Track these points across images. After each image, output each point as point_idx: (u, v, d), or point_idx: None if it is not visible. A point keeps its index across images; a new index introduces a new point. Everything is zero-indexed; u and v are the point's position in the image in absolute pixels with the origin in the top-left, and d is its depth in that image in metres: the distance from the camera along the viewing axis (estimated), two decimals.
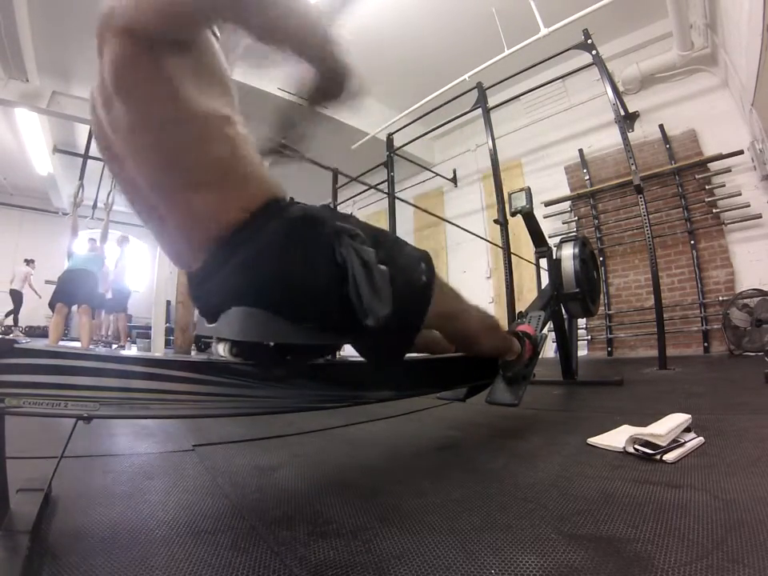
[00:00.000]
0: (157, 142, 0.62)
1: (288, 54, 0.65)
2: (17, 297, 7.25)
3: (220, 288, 0.70)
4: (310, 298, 0.68)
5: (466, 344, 1.08)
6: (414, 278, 0.77)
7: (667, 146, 4.27)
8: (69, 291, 3.98)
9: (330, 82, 0.73)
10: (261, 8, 0.58)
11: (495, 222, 3.33)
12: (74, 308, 4.09)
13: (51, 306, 3.94)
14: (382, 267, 0.68)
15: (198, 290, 0.76)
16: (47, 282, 3.53)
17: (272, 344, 0.73)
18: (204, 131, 0.64)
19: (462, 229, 4.81)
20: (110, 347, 5.99)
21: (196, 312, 0.83)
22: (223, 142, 0.65)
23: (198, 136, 0.63)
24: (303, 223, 0.69)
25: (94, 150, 5.80)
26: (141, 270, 9.68)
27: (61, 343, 4.00)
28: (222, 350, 0.74)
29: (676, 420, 1.01)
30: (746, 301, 3.49)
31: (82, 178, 4.29)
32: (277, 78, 4.99)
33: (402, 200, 4.99)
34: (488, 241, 4.99)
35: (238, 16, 0.58)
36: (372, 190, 5.46)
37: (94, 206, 5.96)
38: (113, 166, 0.72)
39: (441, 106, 4.30)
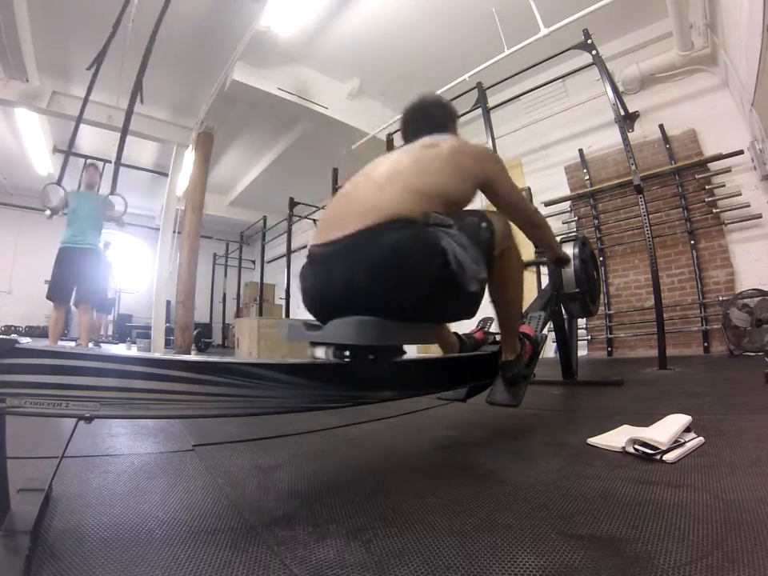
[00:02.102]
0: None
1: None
2: None
3: (349, 273, 0.90)
4: (424, 285, 0.90)
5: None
6: (481, 237, 1.00)
7: (667, 146, 4.27)
8: (65, 283, 3.38)
9: (558, 261, 1.62)
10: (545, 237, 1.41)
11: None
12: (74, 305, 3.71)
13: (49, 298, 3.42)
14: (473, 247, 0.93)
15: (324, 265, 0.97)
16: (47, 282, 3.42)
17: (378, 345, 0.91)
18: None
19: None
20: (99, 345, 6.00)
21: (302, 301, 1.06)
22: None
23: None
24: (416, 229, 0.91)
25: (93, 150, 5.80)
26: (141, 269, 9.71)
27: (59, 343, 3.96)
28: (323, 353, 0.91)
29: (676, 423, 1.01)
30: (746, 301, 3.49)
31: (60, 180, 3.57)
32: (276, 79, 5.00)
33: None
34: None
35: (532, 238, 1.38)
36: None
37: None
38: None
39: None
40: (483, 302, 1.07)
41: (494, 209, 1.20)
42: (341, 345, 0.89)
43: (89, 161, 3.96)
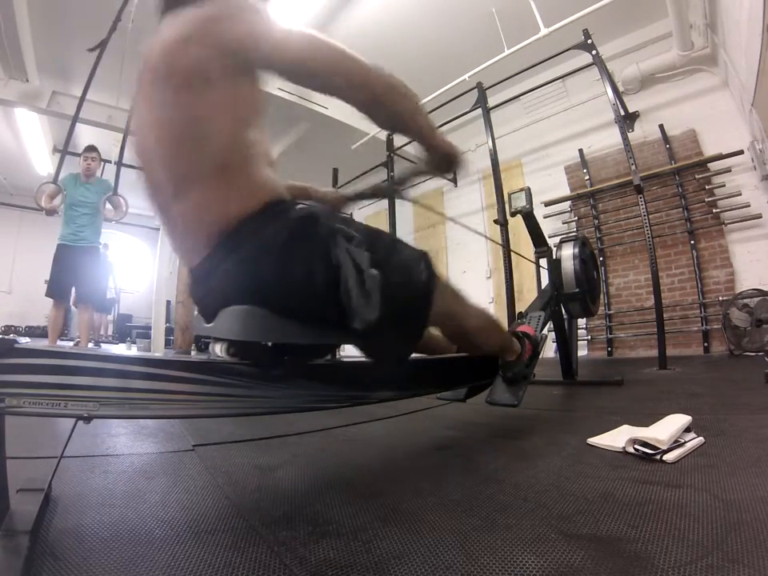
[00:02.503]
0: (190, 127, 0.69)
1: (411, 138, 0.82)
2: None
3: (220, 284, 0.71)
4: (308, 297, 0.69)
5: (467, 343, 1.09)
6: (413, 277, 0.77)
7: (667, 146, 4.27)
8: (64, 282, 3.29)
9: (442, 161, 0.87)
10: (400, 114, 0.75)
11: (495, 222, 3.34)
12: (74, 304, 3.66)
13: (49, 296, 3.33)
14: (374, 272, 0.68)
15: (198, 287, 0.78)
16: (47, 282, 3.39)
17: (269, 344, 0.74)
18: (232, 126, 0.70)
19: (463, 225, 4.79)
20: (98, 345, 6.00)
21: (195, 311, 0.86)
22: (240, 141, 0.71)
23: (226, 128, 0.69)
24: (302, 223, 0.72)
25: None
26: (141, 269, 9.71)
27: (59, 343, 3.95)
28: (219, 350, 0.76)
29: (676, 423, 1.01)
30: (746, 301, 3.49)
31: (56, 179, 3.41)
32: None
33: (404, 198, 4.97)
34: (489, 238, 4.99)
35: (373, 113, 0.75)
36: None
37: None
38: (138, 149, 0.77)
39: (441, 106, 4.30)
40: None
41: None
42: (233, 341, 0.75)
43: (87, 145, 3.57)
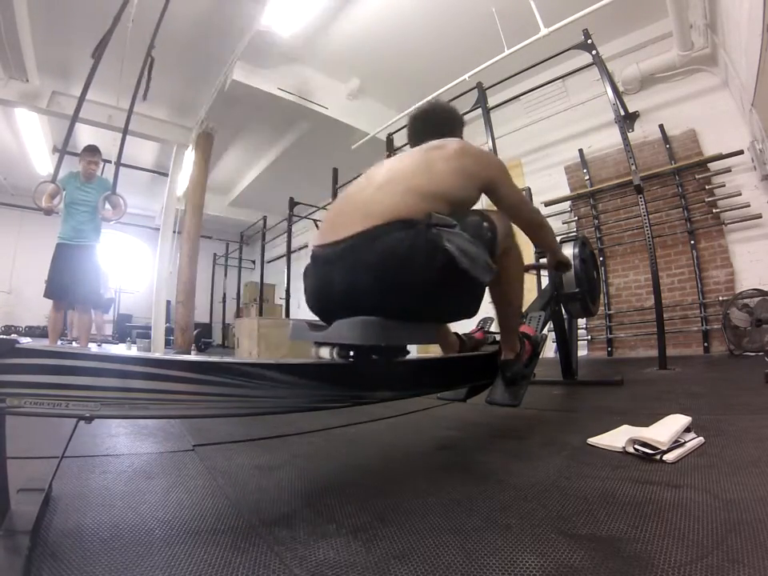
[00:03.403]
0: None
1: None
2: None
3: (352, 273, 0.92)
4: (427, 284, 0.90)
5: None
6: (484, 236, 1.00)
7: (667, 146, 4.27)
8: (63, 282, 3.23)
9: (559, 265, 1.57)
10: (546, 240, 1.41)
11: None
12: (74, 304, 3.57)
13: (47, 297, 3.29)
14: (474, 241, 0.93)
15: (326, 266, 0.98)
16: (46, 282, 3.37)
17: (382, 345, 0.92)
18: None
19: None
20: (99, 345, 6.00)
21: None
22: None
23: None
24: (418, 229, 0.91)
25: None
26: (141, 269, 9.71)
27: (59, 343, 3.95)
28: (326, 353, 0.92)
29: (676, 423, 1.01)
30: (746, 301, 3.49)
31: (55, 178, 3.35)
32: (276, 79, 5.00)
33: None
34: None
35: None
36: None
37: None
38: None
39: None
40: (483, 302, 1.08)
41: (494, 209, 1.19)
42: (345, 345, 0.90)
43: (88, 145, 3.53)
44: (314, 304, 1.06)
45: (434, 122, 1.28)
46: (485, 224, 1.02)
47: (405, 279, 0.90)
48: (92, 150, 3.45)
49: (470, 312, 1.05)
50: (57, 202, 3.30)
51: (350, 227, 0.94)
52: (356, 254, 0.92)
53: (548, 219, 5.27)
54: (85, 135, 5.87)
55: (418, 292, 0.91)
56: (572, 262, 1.37)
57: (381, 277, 0.90)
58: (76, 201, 3.34)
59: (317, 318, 1.07)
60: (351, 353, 0.90)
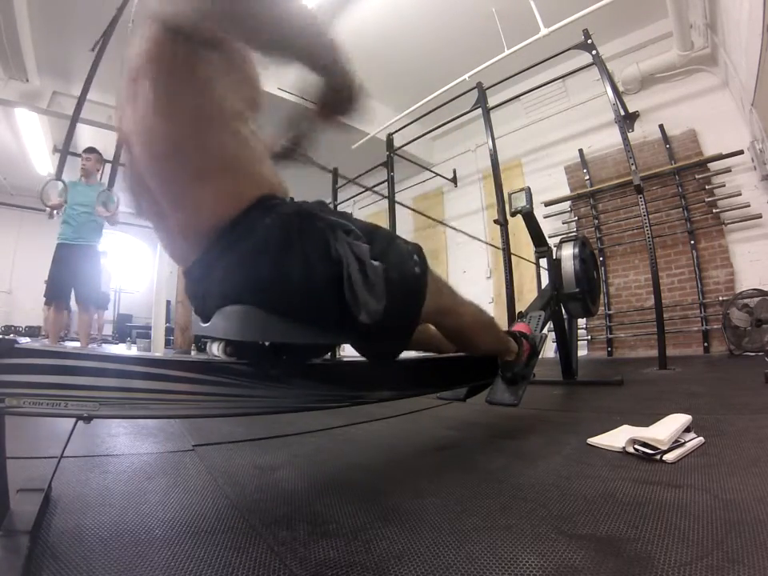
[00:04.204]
0: (168, 124, 0.64)
1: (296, 66, 0.66)
2: None
3: (215, 285, 0.70)
4: (306, 295, 0.67)
5: (462, 340, 1.06)
6: (407, 271, 0.77)
7: (667, 146, 4.27)
8: (64, 281, 3.26)
9: (339, 95, 0.74)
10: (267, 24, 0.60)
11: (495, 222, 3.33)
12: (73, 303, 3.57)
13: (48, 297, 3.35)
14: (376, 263, 0.68)
15: (193, 287, 0.76)
16: (47, 282, 3.38)
17: (267, 343, 0.73)
18: (213, 122, 0.66)
19: (458, 230, 4.81)
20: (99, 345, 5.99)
21: (193, 311, 0.85)
22: (229, 136, 0.67)
23: (207, 125, 0.65)
24: (298, 218, 0.69)
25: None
26: (141, 269, 9.71)
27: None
28: (216, 350, 0.76)
29: (677, 422, 1.01)
30: (746, 301, 3.49)
31: (59, 175, 3.47)
32: (277, 77, 5.00)
33: (401, 204, 4.97)
34: (486, 242, 5.00)
35: (245, 35, 0.63)
36: (373, 189, 5.46)
37: None
38: (126, 155, 0.74)
39: (441, 105, 4.30)
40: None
41: None
42: (230, 341, 0.76)
43: (87, 146, 3.63)
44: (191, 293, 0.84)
45: None
46: (415, 257, 0.78)
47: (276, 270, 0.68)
48: (90, 150, 3.56)
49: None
50: (62, 199, 3.35)
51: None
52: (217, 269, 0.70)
53: (548, 219, 5.31)
54: (85, 135, 5.87)
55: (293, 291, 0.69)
56: (355, 86, 0.68)
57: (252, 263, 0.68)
58: (76, 202, 3.37)
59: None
60: (229, 349, 0.76)
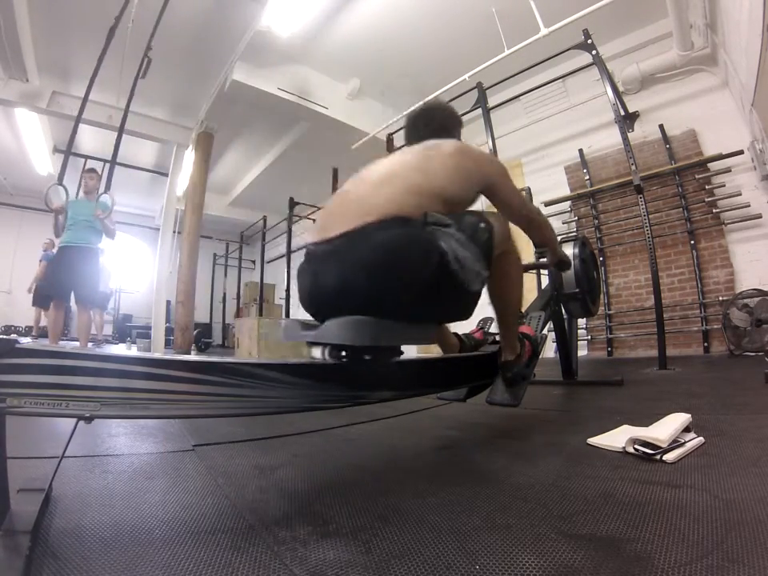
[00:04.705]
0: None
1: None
2: None
3: (345, 271, 0.90)
4: (421, 285, 0.89)
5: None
6: (480, 237, 0.99)
7: (667, 146, 4.27)
8: (63, 280, 3.35)
9: (559, 263, 1.55)
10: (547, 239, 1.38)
11: None
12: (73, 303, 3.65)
13: (50, 297, 3.45)
14: (470, 243, 0.93)
15: (320, 263, 0.96)
16: (41, 283, 3.40)
17: (378, 346, 0.91)
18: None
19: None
20: (100, 345, 5.99)
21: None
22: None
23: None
24: (413, 228, 0.90)
25: (93, 150, 5.80)
26: (141, 269, 9.71)
27: (60, 343, 3.95)
28: (319, 353, 0.91)
29: (676, 421, 1.01)
30: (746, 301, 3.49)
31: (61, 179, 3.52)
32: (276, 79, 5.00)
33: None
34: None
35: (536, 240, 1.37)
36: None
37: None
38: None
39: None
40: (482, 302, 1.07)
41: (494, 209, 1.19)
42: (337, 345, 0.88)
43: (87, 166, 3.85)
44: (306, 302, 1.03)
45: (433, 122, 1.27)
46: (481, 225, 0.99)
47: (397, 277, 0.88)
48: (91, 170, 3.82)
49: (464, 314, 1.03)
50: (62, 208, 3.41)
51: (344, 224, 0.92)
52: (349, 250, 0.91)
53: (548, 219, 5.31)
54: (85, 135, 5.88)
55: (410, 291, 0.89)
56: (571, 262, 1.36)
57: (373, 274, 0.87)
58: (78, 214, 3.46)
59: (311, 318, 1.05)
60: (344, 353, 0.88)
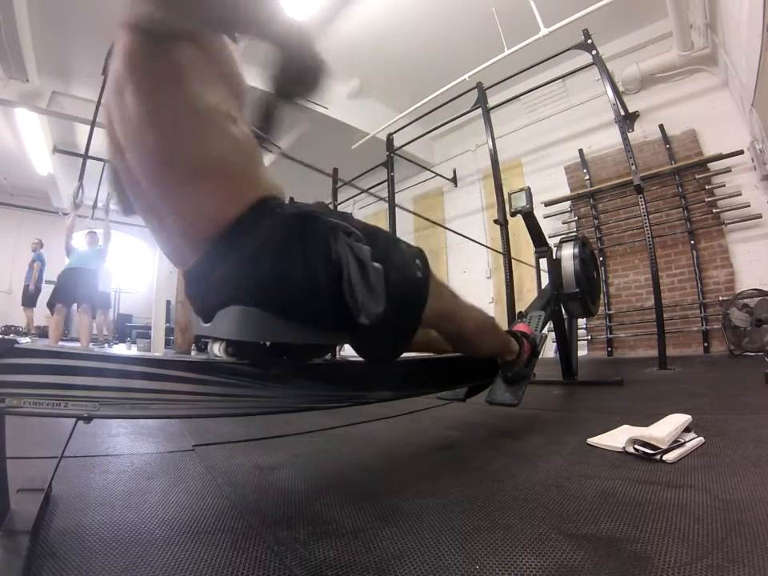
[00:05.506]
0: (159, 133, 0.63)
1: (253, 38, 0.66)
2: None
3: (216, 286, 0.70)
4: (306, 296, 0.67)
5: (464, 344, 1.06)
6: (408, 275, 0.77)
7: (667, 146, 4.27)
8: (68, 291, 3.97)
9: (300, 71, 0.71)
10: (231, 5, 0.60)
11: (495, 222, 3.34)
12: (74, 307, 4.05)
13: (50, 306, 3.88)
14: (377, 265, 0.68)
15: (193, 288, 0.76)
16: (47, 281, 3.48)
17: (268, 344, 0.73)
18: (205, 125, 0.65)
19: (457, 233, 4.81)
20: (105, 346, 5.99)
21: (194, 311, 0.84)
22: (223, 137, 0.66)
23: (199, 129, 0.65)
24: (299, 220, 0.69)
25: (93, 150, 5.81)
26: (141, 270, 9.71)
27: (60, 343, 3.98)
28: (217, 350, 0.75)
29: (676, 421, 1.01)
30: (745, 301, 3.49)
31: (81, 178, 4.24)
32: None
33: (401, 207, 4.96)
34: (485, 246, 5.01)
35: (212, 20, 0.62)
36: (373, 189, 5.46)
37: (94, 206, 5.95)
38: (118, 162, 0.73)
39: (441, 106, 4.30)
40: (483, 302, 1.07)
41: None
42: (231, 341, 0.75)
43: (89, 230, 4.71)
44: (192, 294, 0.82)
45: None
46: (417, 261, 0.78)
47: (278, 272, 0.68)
48: (93, 232, 4.69)
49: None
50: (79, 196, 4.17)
51: None
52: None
53: (548, 219, 5.33)
54: (85, 135, 5.86)
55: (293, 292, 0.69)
56: (318, 54, 0.66)
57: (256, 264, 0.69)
58: (80, 257, 4.26)
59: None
60: (230, 350, 0.75)
